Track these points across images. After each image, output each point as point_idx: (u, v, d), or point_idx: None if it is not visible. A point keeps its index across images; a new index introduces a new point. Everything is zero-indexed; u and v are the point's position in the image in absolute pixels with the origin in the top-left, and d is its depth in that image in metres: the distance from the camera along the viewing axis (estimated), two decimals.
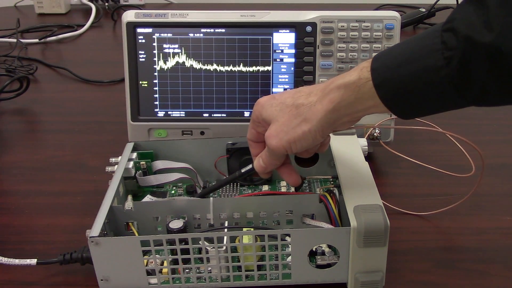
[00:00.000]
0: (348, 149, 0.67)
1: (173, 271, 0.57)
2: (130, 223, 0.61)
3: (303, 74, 0.79)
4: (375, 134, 0.80)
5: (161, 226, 0.62)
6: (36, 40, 1.42)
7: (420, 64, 0.47)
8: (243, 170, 0.65)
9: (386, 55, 0.50)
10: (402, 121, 0.55)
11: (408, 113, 0.51)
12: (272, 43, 0.79)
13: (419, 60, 0.47)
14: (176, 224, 0.59)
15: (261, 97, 0.59)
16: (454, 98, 0.47)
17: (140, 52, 0.80)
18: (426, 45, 0.47)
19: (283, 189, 0.72)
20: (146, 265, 0.56)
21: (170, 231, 0.58)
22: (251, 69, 0.80)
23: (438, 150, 0.82)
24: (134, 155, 0.70)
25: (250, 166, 0.63)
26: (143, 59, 0.80)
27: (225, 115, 0.81)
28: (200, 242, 0.55)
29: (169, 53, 0.80)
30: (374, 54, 0.78)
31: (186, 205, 0.61)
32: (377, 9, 1.54)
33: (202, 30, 0.79)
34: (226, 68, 0.80)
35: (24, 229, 0.70)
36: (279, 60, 0.79)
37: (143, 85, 0.81)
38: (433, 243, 0.66)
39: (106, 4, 1.72)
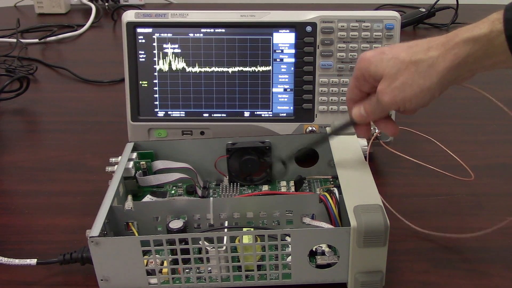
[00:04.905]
0: (348, 149, 0.67)
1: (173, 271, 0.57)
2: (130, 223, 0.61)
3: (303, 74, 0.79)
4: (374, 134, 0.79)
5: (161, 226, 0.62)
6: (36, 40, 1.42)
7: None
8: (338, 123, 0.62)
9: None
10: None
11: None
12: (272, 43, 0.79)
13: None
14: (176, 224, 0.59)
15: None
16: None
17: (140, 52, 0.80)
18: None
19: (283, 189, 0.72)
20: (146, 265, 0.56)
21: (170, 231, 0.58)
22: (251, 69, 0.80)
23: (438, 150, 0.82)
24: (134, 155, 0.70)
25: (348, 119, 0.60)
26: (143, 59, 0.80)
27: (225, 115, 0.81)
28: (200, 242, 0.55)
29: (169, 53, 0.80)
30: None
31: (186, 205, 0.61)
32: (377, 9, 1.54)
33: (202, 30, 0.79)
34: (226, 68, 0.80)
35: (24, 229, 0.70)
36: (279, 60, 0.79)
37: (143, 85, 0.81)
38: (433, 243, 0.66)
39: (106, 4, 1.72)
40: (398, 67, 0.51)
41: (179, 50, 0.80)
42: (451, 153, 0.77)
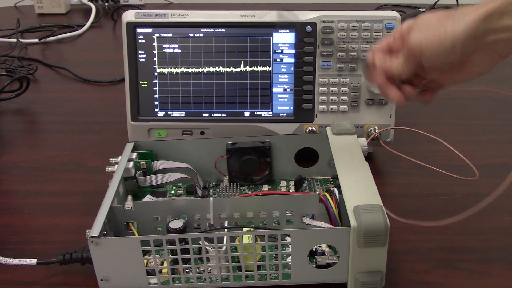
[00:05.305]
0: (348, 149, 0.67)
1: (173, 271, 0.57)
2: (130, 223, 0.61)
3: (303, 74, 0.79)
4: (374, 133, 0.79)
5: (161, 226, 0.62)
6: (36, 40, 1.42)
7: None
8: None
9: None
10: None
11: None
12: (272, 43, 0.79)
13: None
14: (176, 224, 0.59)
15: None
16: None
17: (140, 52, 0.80)
18: None
19: (283, 189, 0.72)
20: (146, 265, 0.56)
21: (170, 231, 0.58)
22: (251, 69, 0.80)
23: (438, 150, 0.82)
24: (134, 155, 0.70)
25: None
26: (143, 59, 0.80)
27: (225, 115, 0.81)
28: (200, 242, 0.55)
29: (169, 53, 0.80)
30: None
31: (186, 205, 0.61)
32: (377, 9, 1.54)
33: (202, 30, 0.79)
34: (226, 68, 0.80)
35: (24, 229, 0.70)
36: (279, 60, 0.79)
37: (143, 85, 0.81)
38: (433, 243, 0.66)
39: (106, 4, 1.72)
40: (434, 17, 0.54)
41: (179, 50, 0.80)
42: (458, 152, 0.77)
